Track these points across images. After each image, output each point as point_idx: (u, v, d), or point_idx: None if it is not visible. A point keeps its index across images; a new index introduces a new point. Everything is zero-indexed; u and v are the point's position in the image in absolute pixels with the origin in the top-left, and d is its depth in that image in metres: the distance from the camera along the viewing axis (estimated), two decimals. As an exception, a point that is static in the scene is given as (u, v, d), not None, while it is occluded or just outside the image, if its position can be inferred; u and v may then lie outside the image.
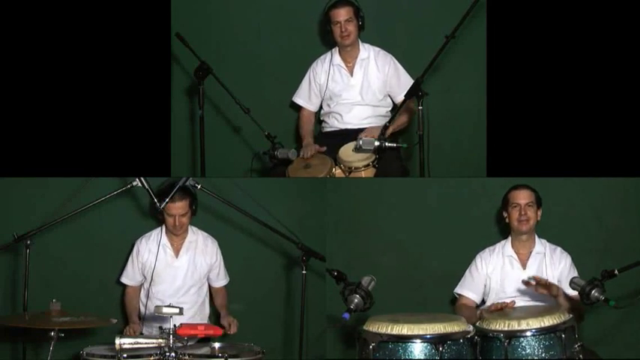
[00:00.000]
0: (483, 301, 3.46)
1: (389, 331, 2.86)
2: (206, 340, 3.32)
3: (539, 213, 3.40)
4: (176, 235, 3.55)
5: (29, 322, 2.94)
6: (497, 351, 2.85)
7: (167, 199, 3.23)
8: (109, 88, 3.60)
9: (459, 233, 3.80)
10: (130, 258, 3.60)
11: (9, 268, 3.61)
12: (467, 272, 3.50)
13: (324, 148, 3.77)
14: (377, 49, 3.91)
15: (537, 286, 3.15)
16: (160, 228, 3.59)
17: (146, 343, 2.89)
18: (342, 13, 3.77)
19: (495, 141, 3.66)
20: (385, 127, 3.59)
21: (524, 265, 3.39)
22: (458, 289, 3.50)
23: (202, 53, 3.61)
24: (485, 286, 3.45)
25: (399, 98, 3.83)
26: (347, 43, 3.82)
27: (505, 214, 3.44)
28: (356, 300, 2.81)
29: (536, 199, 3.39)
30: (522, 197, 3.37)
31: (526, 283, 3.23)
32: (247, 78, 4.10)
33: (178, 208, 3.43)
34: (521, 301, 3.28)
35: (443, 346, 2.81)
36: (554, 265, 3.37)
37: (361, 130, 3.81)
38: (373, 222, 3.92)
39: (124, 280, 3.61)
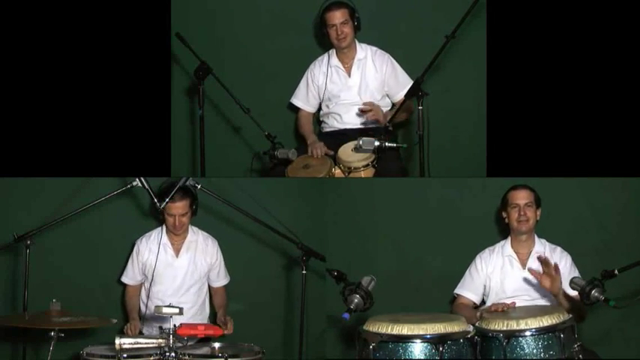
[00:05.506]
0: (483, 302, 3.47)
1: (389, 331, 2.86)
2: (206, 340, 3.32)
3: (539, 213, 3.40)
4: (176, 235, 3.56)
5: (29, 322, 2.94)
6: (497, 351, 2.85)
7: (167, 199, 3.23)
8: (109, 88, 3.60)
9: (458, 233, 3.80)
10: (131, 258, 3.60)
11: (9, 268, 3.61)
12: (467, 273, 3.50)
13: (332, 152, 3.74)
14: (374, 48, 3.90)
15: (542, 274, 3.09)
16: (160, 228, 3.60)
17: (146, 343, 2.89)
18: (338, 16, 3.75)
19: (495, 141, 3.66)
20: (385, 128, 3.59)
21: (523, 265, 3.39)
22: (457, 290, 3.50)
23: (202, 53, 3.61)
24: (485, 286, 3.45)
25: (398, 97, 3.84)
26: (344, 46, 3.82)
27: (504, 215, 3.44)
28: (356, 300, 2.82)
29: (535, 199, 3.39)
30: (521, 197, 3.37)
31: (531, 271, 3.19)
32: (247, 78, 4.09)
33: (179, 207, 3.43)
34: (521, 302, 3.28)
35: (443, 346, 2.81)
36: (555, 265, 3.37)
37: (361, 130, 3.81)
38: (373, 222, 3.92)
39: (125, 279, 3.62)
